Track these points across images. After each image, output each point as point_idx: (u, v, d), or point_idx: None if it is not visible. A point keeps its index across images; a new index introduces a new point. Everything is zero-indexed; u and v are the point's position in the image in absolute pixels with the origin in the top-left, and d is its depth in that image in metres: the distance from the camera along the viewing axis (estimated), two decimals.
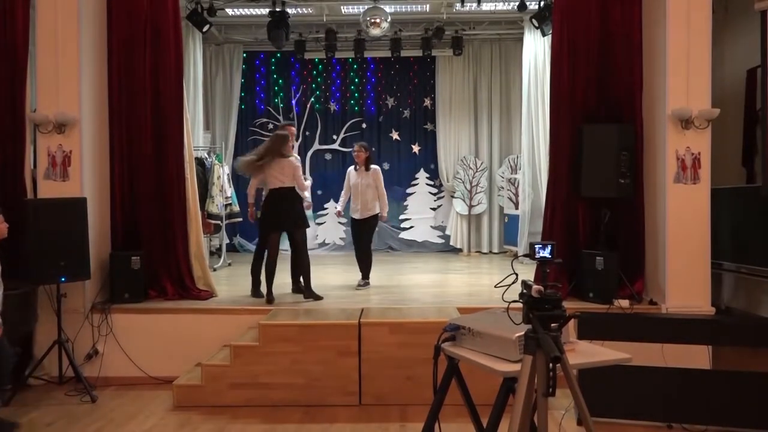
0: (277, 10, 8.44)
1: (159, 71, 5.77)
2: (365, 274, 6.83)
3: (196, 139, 8.25)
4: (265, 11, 8.54)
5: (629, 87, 5.64)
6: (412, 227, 10.37)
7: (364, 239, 6.83)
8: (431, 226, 10.35)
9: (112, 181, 5.75)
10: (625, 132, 5.55)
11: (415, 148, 10.36)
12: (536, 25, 8.11)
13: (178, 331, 5.36)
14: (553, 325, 2.16)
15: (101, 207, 5.67)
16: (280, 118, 10.39)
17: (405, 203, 10.33)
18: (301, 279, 6.10)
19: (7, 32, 5.37)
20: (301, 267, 6.07)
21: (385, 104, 10.44)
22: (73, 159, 5.40)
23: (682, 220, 5.29)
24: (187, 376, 4.96)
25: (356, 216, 6.78)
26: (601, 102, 5.73)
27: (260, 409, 4.66)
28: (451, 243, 10.17)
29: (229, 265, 8.45)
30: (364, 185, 6.72)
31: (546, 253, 2.28)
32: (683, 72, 5.28)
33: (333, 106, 10.47)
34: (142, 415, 4.59)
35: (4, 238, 4.27)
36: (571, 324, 2.46)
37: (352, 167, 6.97)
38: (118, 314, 5.37)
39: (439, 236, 10.28)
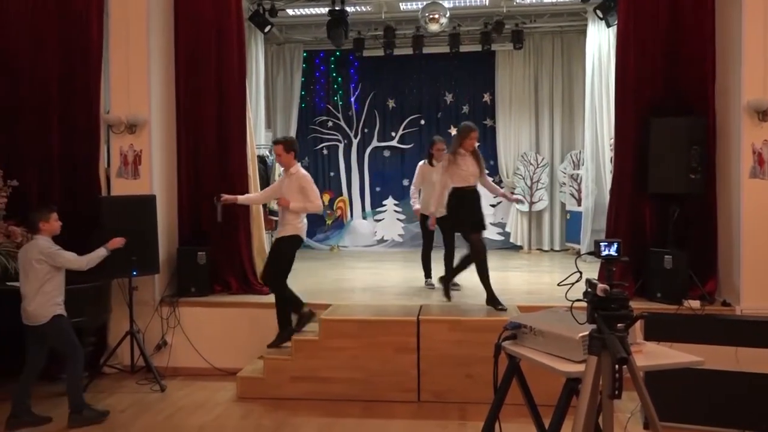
0: (337, 8, 8.51)
1: (223, 72, 5.94)
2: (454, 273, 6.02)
3: (258, 137, 8.44)
4: (325, 10, 8.63)
5: (700, 78, 5.39)
6: None
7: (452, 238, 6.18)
8: (491, 223, 10.18)
9: (179, 178, 5.97)
10: (696, 125, 5.31)
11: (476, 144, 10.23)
12: (600, 16, 7.86)
13: (242, 325, 5.51)
14: (619, 325, 2.09)
15: (169, 204, 5.89)
16: (340, 115, 10.50)
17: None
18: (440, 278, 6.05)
19: (83, 38, 5.65)
20: (450, 266, 5.95)
21: (443, 100, 10.37)
22: (143, 158, 5.64)
23: (758, 217, 5.03)
24: (250, 368, 5.09)
25: (439, 215, 5.87)
26: (669, 94, 5.50)
27: (320, 403, 4.73)
28: (511, 240, 10.01)
29: None
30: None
31: (612, 250, 2.21)
32: (760, 61, 5.01)
33: (391, 103, 10.48)
34: (208, 405, 4.75)
35: (55, 234, 4.45)
36: (638, 325, 2.38)
37: (423, 162, 6.45)
38: (185, 307, 5.57)
39: (498, 233, 10.14)
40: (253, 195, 5.81)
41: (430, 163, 6.34)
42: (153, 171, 5.66)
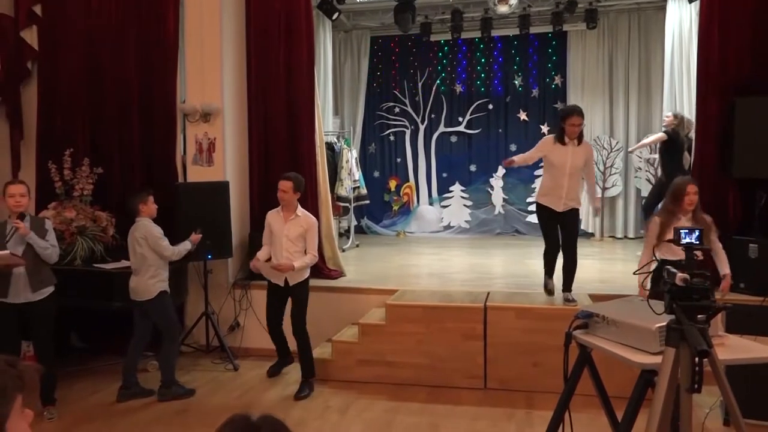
0: None
1: (292, 60, 6.04)
2: (569, 285, 5.02)
3: (325, 124, 8.55)
4: None
5: None
6: None
7: (572, 235, 5.10)
8: None
9: (251, 165, 6.13)
10: None
11: (544, 129, 9.97)
12: None
13: (310, 308, 5.58)
14: (699, 316, 2.00)
15: (241, 190, 6.07)
16: (407, 101, 10.47)
17: (533, 185, 10.00)
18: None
19: (161, 31, 5.89)
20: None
21: (512, 84, 10.13)
22: (217, 145, 5.82)
23: None
24: (319, 350, 5.19)
25: (558, 208, 4.92)
26: (757, 72, 5.16)
27: (386, 387, 4.78)
28: (582, 227, 9.69)
29: (357, 246, 8.72)
30: (573, 165, 4.87)
31: (693, 238, 2.11)
32: None
33: (459, 88, 10.35)
34: (279, 385, 4.90)
35: (153, 216, 4.71)
36: (719, 317, 2.27)
37: (552, 137, 5.04)
38: (256, 290, 5.73)
39: None
40: (262, 252, 4.95)
41: (561, 141, 4.90)
42: (226, 158, 5.85)
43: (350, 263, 6.95)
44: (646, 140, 7.58)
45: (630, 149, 7.50)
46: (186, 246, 4.79)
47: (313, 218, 4.81)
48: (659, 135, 7.06)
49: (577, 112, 4.87)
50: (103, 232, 5.45)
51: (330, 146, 8.27)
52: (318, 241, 6.07)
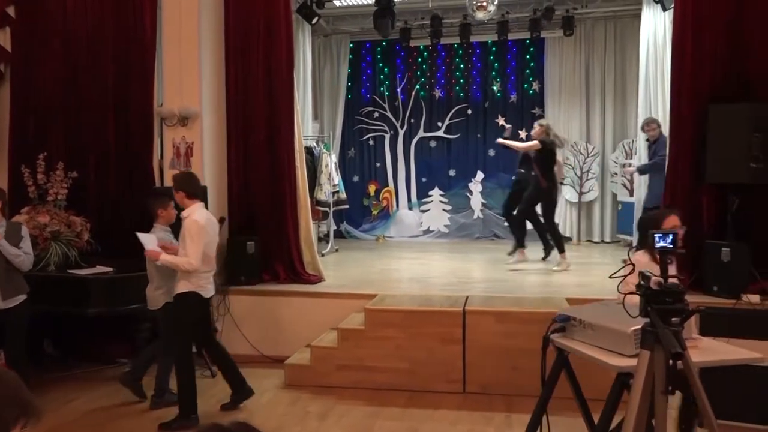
0: None
1: (271, 64, 6.02)
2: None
3: (305, 128, 8.53)
4: (372, 0, 8.62)
5: (763, 62, 5.14)
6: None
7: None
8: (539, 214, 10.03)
9: (229, 170, 6.09)
10: (759, 111, 5.07)
11: (522, 134, 10.05)
12: None
13: (289, 313, 5.60)
14: (673, 319, 2.03)
15: (219, 195, 6.02)
16: (386, 106, 10.49)
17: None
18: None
19: (138, 33, 5.83)
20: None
21: (491, 89, 10.22)
22: (195, 150, 5.78)
23: None
24: (298, 356, 5.17)
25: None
26: (729, 80, 5.27)
27: (365, 392, 4.77)
28: (560, 231, 9.80)
29: (337, 250, 8.70)
30: None
31: (667, 242, 2.14)
32: None
33: (438, 93, 10.40)
34: (256, 392, 4.84)
35: (171, 222, 4.62)
36: (693, 319, 2.30)
37: None
38: (234, 296, 5.69)
39: None
40: None
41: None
42: (204, 162, 5.80)
43: (329, 268, 6.92)
44: (520, 144, 7.55)
45: (499, 140, 7.62)
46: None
47: (193, 220, 4.12)
48: (533, 143, 7.08)
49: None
50: (78, 237, 5.36)
51: (309, 151, 8.24)
52: (297, 245, 6.10)
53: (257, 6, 5.99)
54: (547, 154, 6.93)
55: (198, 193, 4.28)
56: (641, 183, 8.30)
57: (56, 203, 5.48)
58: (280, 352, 5.40)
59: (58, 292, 4.97)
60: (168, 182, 5.76)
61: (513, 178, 7.86)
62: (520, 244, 7.32)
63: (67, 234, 5.30)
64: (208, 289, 4.29)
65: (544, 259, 7.42)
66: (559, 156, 7.39)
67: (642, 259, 3.05)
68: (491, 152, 10.13)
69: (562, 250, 6.93)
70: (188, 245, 4.07)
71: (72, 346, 5.68)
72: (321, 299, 5.62)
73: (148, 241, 4.25)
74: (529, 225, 7.47)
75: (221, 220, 5.44)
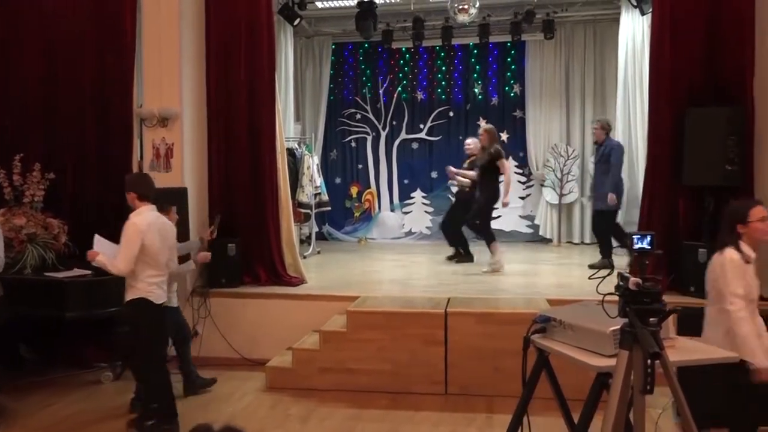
0: (365, 0, 8.50)
1: (253, 65, 5.99)
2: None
3: (287, 130, 8.50)
4: (354, 2, 8.63)
5: (739, 66, 5.23)
6: (499, 216, 10.16)
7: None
8: (519, 216, 10.11)
9: (210, 171, 6.04)
10: (734, 115, 5.16)
11: (504, 136, 10.13)
12: (634, 3, 7.70)
13: (271, 316, 5.57)
14: (651, 319, 2.06)
15: (200, 196, 5.97)
16: (368, 108, 10.49)
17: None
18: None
19: (117, 33, 5.76)
20: None
21: (472, 92, 10.28)
22: (175, 151, 5.72)
23: None
24: (279, 359, 5.14)
25: None
26: (706, 83, 5.36)
27: (347, 394, 4.76)
28: (541, 233, 9.89)
29: (318, 252, 8.67)
30: None
31: (645, 243, 2.17)
32: None
33: (420, 95, 10.43)
34: (238, 394, 4.83)
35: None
36: (671, 319, 2.34)
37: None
38: (215, 298, 5.65)
39: (527, 226, 10.03)
40: None
41: None
42: (184, 164, 5.75)
43: (311, 270, 6.91)
44: (470, 173, 7.43)
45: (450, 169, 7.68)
46: (190, 267, 4.72)
47: (133, 222, 3.98)
48: (473, 173, 7.23)
49: None
50: (55, 239, 5.28)
51: (291, 152, 8.21)
52: (279, 247, 6.07)
53: (238, 7, 5.95)
54: (495, 162, 6.89)
55: (150, 195, 4.14)
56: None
57: (33, 205, 5.39)
58: (262, 355, 5.37)
59: (35, 296, 4.89)
60: None
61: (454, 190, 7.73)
62: (467, 253, 7.47)
63: (44, 236, 5.22)
64: (158, 295, 4.05)
65: (450, 258, 7.54)
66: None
67: (734, 256, 3.03)
68: None
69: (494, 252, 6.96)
70: (120, 248, 3.94)
71: (49, 350, 5.59)
72: (302, 301, 5.60)
73: (100, 244, 4.12)
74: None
75: (216, 217, 5.39)
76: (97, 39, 5.80)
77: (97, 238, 4.16)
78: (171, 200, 4.61)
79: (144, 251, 3.92)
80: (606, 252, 7.00)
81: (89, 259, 4.07)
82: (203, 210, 6.00)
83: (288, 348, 5.18)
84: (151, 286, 4.01)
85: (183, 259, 4.72)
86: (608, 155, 6.96)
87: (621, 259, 6.87)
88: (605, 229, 7.09)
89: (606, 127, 7.16)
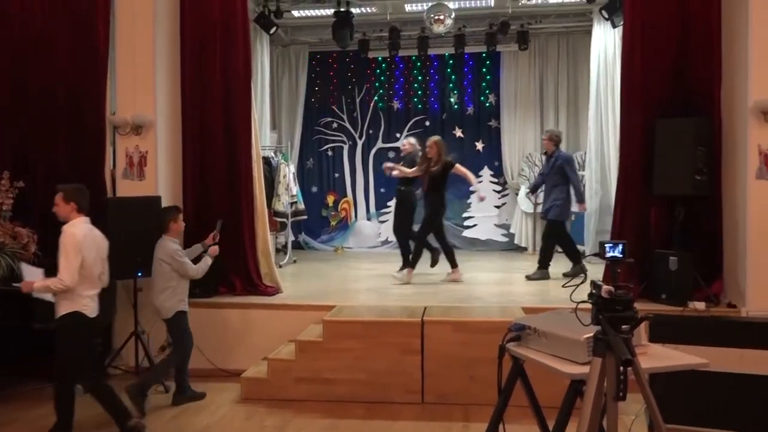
0: (342, 10, 8.53)
1: (229, 73, 5.95)
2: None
3: (263, 138, 8.45)
4: (330, 11, 8.65)
5: (707, 79, 5.37)
6: (475, 225, 10.26)
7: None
8: (495, 225, 10.20)
9: (185, 179, 5.98)
10: (702, 126, 5.29)
11: (479, 146, 10.23)
12: (606, 16, 7.85)
13: (246, 326, 5.52)
14: (623, 327, 2.09)
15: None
16: (345, 117, 10.50)
17: (468, 201, 10.22)
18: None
19: (90, 39, 5.68)
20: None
21: (448, 101, 10.36)
22: (149, 159, 5.65)
23: (764, 219, 4.99)
24: (254, 369, 5.09)
25: None
26: (676, 95, 5.48)
27: (324, 404, 4.73)
28: (516, 241, 9.98)
29: (295, 262, 8.63)
30: None
31: (617, 252, 2.20)
32: (766, 61, 4.98)
33: (396, 104, 10.48)
34: (212, 406, 4.76)
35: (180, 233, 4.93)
36: (643, 326, 2.37)
37: None
38: (190, 308, 5.55)
39: (503, 234, 10.12)
40: None
41: None
42: (158, 172, 5.68)
43: (287, 279, 6.87)
44: (407, 170, 7.16)
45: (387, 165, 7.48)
46: (207, 262, 4.90)
47: (70, 233, 3.88)
48: (415, 170, 7.03)
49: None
50: (24, 249, 5.16)
51: (267, 161, 8.18)
52: (255, 257, 6.02)
53: (214, 14, 5.92)
54: (447, 173, 6.88)
55: (87, 208, 4.09)
56: (593, 194, 8.54)
57: (1, 214, 5.27)
58: (237, 366, 5.31)
59: (2, 306, 4.77)
60: (122, 193, 5.64)
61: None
62: (435, 260, 7.25)
63: (12, 246, 5.10)
64: (92, 309, 3.98)
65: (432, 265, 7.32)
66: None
67: None
68: None
69: (413, 266, 6.87)
70: (60, 260, 3.80)
71: (16, 362, 5.45)
72: (278, 311, 5.56)
73: (30, 273, 4.10)
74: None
75: (218, 222, 5.27)
76: (69, 44, 5.70)
77: (24, 266, 4.14)
78: (177, 207, 5.02)
79: (81, 264, 3.85)
80: (575, 258, 7.06)
81: (25, 290, 3.98)
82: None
83: (263, 358, 5.13)
84: (85, 299, 3.93)
85: (195, 260, 4.95)
86: (560, 167, 7.03)
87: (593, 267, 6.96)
88: (557, 239, 7.18)
89: (554, 138, 7.22)
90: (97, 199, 5.45)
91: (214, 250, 5.02)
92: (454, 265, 6.96)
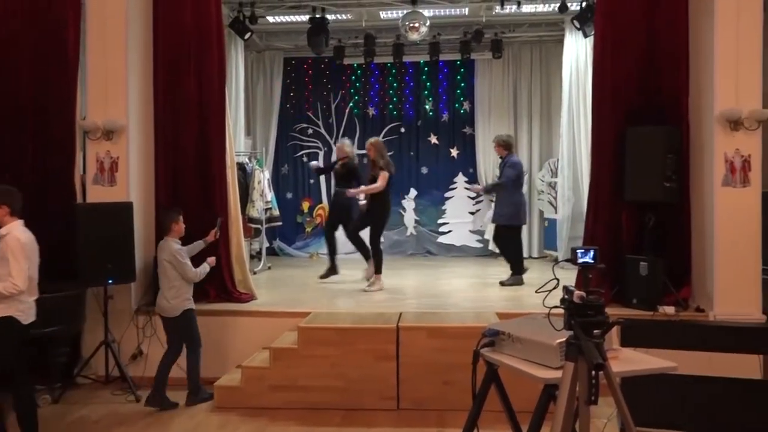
0: (317, 16, 8.53)
1: (202, 78, 5.90)
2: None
3: (237, 144, 8.39)
4: (306, 18, 8.64)
5: (675, 88, 5.50)
6: (450, 231, 10.31)
7: None
8: (469, 231, 10.26)
9: (157, 186, 5.90)
10: (671, 134, 5.41)
11: (454, 152, 10.31)
12: (578, 26, 7.99)
13: (220, 334, 5.45)
14: (595, 331, 2.12)
15: (146, 211, 5.81)
16: (320, 123, 10.49)
17: (443, 207, 10.28)
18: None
19: (59, 43, 5.58)
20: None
21: (423, 108, 10.42)
22: (120, 165, 5.56)
23: (730, 225, 5.12)
24: (228, 377, 5.03)
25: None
26: (645, 104, 5.60)
27: (299, 412, 4.69)
28: (490, 247, 10.03)
29: (269, 268, 8.56)
30: None
31: (588, 258, 2.24)
32: (732, 72, 5.12)
33: (371, 111, 10.50)
34: (185, 415, 4.69)
35: (182, 235, 5.02)
36: (614, 331, 2.42)
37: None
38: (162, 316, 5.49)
39: (477, 240, 10.19)
40: None
41: None
42: (130, 178, 5.59)
43: (262, 286, 6.81)
44: (366, 188, 7.01)
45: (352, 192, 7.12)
46: (206, 268, 5.00)
47: (15, 236, 3.80)
48: (379, 185, 6.81)
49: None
50: None
51: (241, 167, 8.12)
52: (229, 263, 5.95)
53: (187, 19, 5.87)
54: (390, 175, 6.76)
55: (20, 210, 3.99)
56: (565, 201, 8.66)
57: None
58: (210, 374, 5.23)
59: None
60: (92, 199, 5.53)
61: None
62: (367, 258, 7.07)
63: None
64: (27, 315, 3.85)
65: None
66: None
67: None
68: (424, 170, 10.32)
69: (379, 271, 6.78)
70: (11, 265, 3.71)
71: None
72: (253, 318, 5.51)
73: None
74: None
75: (218, 220, 5.52)
76: (38, 48, 5.58)
77: None
78: (177, 210, 5.08)
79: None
80: (517, 268, 7.08)
81: None
82: (149, 225, 5.84)
83: (237, 366, 5.08)
84: (23, 305, 3.84)
85: (194, 260, 5.05)
86: (507, 172, 7.10)
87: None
88: (508, 244, 7.22)
89: (502, 144, 7.25)
90: (66, 205, 5.39)
91: (212, 261, 5.16)
92: (378, 270, 6.79)
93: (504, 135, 7.57)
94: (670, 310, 5.19)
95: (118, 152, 5.56)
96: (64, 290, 4.94)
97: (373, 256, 6.88)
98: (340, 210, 7.40)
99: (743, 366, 4.41)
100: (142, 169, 5.81)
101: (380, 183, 6.72)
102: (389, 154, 10.29)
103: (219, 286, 5.88)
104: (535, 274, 7.55)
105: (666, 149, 5.35)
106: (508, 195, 7.06)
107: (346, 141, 7.76)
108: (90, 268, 5.13)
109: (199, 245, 5.24)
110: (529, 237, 9.97)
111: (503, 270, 8.60)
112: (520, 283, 6.95)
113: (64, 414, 4.47)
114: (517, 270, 7.06)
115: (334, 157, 8.10)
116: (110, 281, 5.20)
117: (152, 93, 5.89)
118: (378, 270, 6.82)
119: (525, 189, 9.78)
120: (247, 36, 8.50)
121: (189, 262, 4.89)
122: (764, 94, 5.16)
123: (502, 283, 7.02)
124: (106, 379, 5.33)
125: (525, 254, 9.86)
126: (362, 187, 7.06)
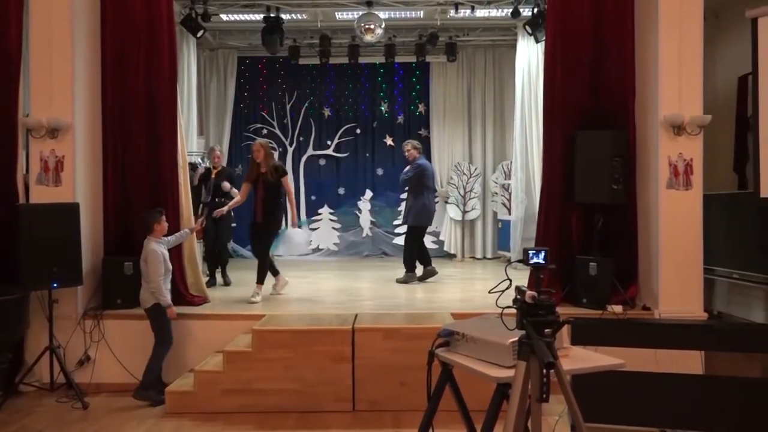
0: (272, 15, 8.45)
1: (153, 76, 5.76)
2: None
3: (190, 144, 8.23)
4: (260, 17, 8.55)
5: (622, 93, 5.67)
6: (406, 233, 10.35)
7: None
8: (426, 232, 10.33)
9: (105, 186, 5.73)
10: (618, 138, 5.58)
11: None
12: (530, 32, 8.15)
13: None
14: (546, 330, 2.16)
15: (94, 212, 5.64)
16: (275, 123, 10.39)
17: (399, 209, 10.32)
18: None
19: (0, 37, 5.35)
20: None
21: (379, 110, 10.45)
22: (66, 164, 5.37)
23: (674, 226, 5.31)
24: (180, 382, 4.93)
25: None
26: (594, 109, 5.75)
27: (253, 416, 4.63)
28: (445, 248, 10.16)
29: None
30: None
31: (540, 258, 2.28)
32: (675, 79, 5.32)
33: (327, 112, 10.47)
34: (134, 422, 4.56)
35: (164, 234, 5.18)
36: (565, 330, 2.47)
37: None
38: (110, 320, 5.33)
39: (432, 242, 10.26)
40: None
41: None
42: (76, 178, 5.41)
43: (215, 289, 6.69)
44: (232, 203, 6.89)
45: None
46: (167, 286, 5.10)
47: None
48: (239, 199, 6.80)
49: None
50: None
51: (194, 167, 7.95)
52: (180, 266, 5.83)
53: (137, 15, 5.71)
54: (281, 180, 6.50)
55: None
56: (518, 203, 8.82)
57: None
58: (162, 379, 5.11)
59: None
60: (36, 199, 5.33)
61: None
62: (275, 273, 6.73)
63: None
64: None
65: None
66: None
67: None
68: (380, 171, 10.35)
69: (261, 282, 6.29)
70: None
71: None
72: (205, 321, 5.41)
73: None
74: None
75: (202, 208, 5.86)
76: None
77: None
78: (159, 210, 5.18)
79: None
80: (410, 266, 7.41)
81: None
82: (97, 227, 5.67)
83: (190, 370, 4.98)
84: None
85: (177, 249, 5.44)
86: (408, 172, 7.41)
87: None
88: (413, 243, 7.48)
89: (412, 150, 7.44)
90: (9, 206, 5.17)
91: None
92: (275, 273, 6.63)
93: (414, 140, 7.84)
94: (618, 308, 5.35)
95: (63, 151, 5.36)
96: (5, 294, 4.74)
97: (269, 267, 6.51)
98: (225, 224, 7.54)
99: (686, 361, 4.60)
100: (90, 168, 5.63)
101: (290, 191, 6.75)
102: (345, 155, 10.38)
103: (171, 289, 5.71)
104: (489, 274, 7.67)
105: (613, 153, 5.51)
106: (413, 197, 7.38)
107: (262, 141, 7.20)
108: (33, 271, 4.94)
109: (186, 234, 5.55)
110: (483, 238, 10.13)
111: (459, 270, 8.72)
112: (414, 280, 7.35)
113: (5, 423, 4.28)
114: (410, 267, 7.40)
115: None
116: (55, 285, 5.02)
117: (100, 89, 5.72)
118: (275, 274, 6.59)
119: (478, 191, 10.00)
120: (199, 34, 8.35)
121: (153, 270, 4.95)
122: (705, 101, 5.38)
123: (398, 281, 7.35)
124: (51, 387, 5.13)
125: (479, 255, 10.08)
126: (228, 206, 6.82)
